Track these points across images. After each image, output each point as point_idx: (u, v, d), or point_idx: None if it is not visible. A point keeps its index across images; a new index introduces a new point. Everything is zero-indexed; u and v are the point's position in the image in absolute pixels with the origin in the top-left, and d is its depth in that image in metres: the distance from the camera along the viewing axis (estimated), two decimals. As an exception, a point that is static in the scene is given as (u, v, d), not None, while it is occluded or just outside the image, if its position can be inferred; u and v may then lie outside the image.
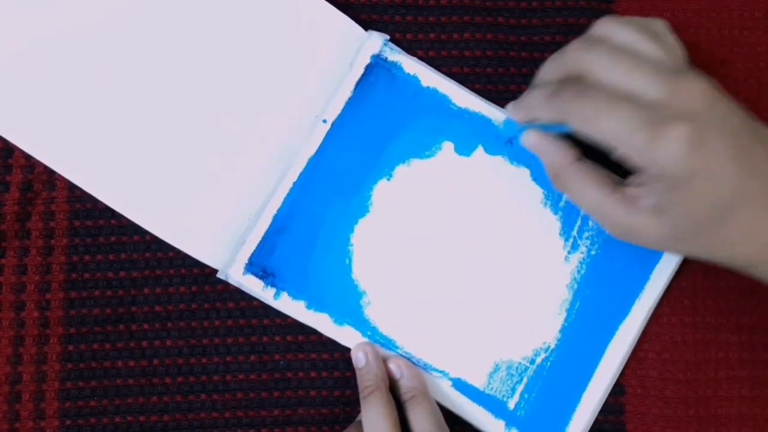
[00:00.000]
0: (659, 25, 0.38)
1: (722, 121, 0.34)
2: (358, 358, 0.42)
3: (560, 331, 0.42)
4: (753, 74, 0.44)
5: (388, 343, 0.42)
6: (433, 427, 0.39)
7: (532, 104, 0.39)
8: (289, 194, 0.43)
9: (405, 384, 0.41)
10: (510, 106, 0.40)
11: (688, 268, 0.43)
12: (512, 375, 0.42)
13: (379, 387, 0.40)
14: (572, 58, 0.37)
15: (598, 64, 0.35)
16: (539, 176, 0.43)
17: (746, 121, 0.35)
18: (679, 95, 0.34)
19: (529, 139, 0.39)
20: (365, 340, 0.42)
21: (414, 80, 0.44)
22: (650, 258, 0.43)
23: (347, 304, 0.43)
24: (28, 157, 0.43)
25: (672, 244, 0.36)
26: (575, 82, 0.36)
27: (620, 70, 0.35)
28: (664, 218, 0.35)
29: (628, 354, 0.42)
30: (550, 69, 0.38)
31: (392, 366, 0.42)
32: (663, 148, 0.33)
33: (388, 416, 0.39)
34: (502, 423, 0.42)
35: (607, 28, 0.37)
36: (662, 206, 0.35)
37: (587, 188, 0.37)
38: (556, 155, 0.39)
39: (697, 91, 0.34)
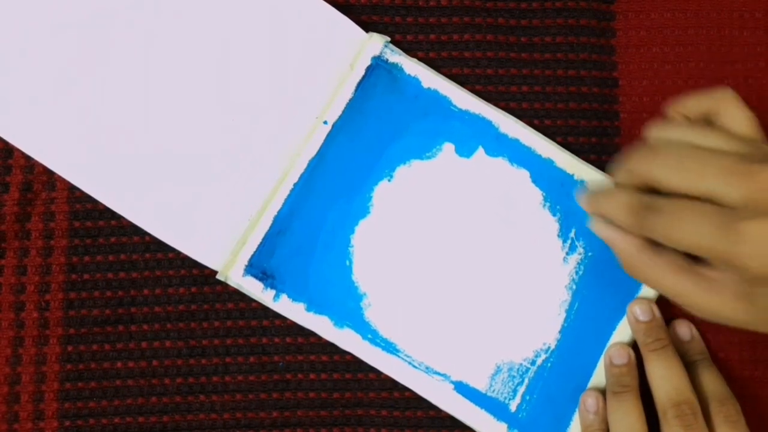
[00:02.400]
0: (726, 96, 0.37)
1: None
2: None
3: (560, 332, 0.42)
4: (753, 74, 0.44)
5: (389, 346, 0.42)
6: (726, 390, 0.40)
7: (607, 209, 0.37)
8: (289, 196, 0.43)
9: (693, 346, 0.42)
10: (585, 197, 0.40)
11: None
12: (513, 376, 0.42)
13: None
14: (638, 170, 0.36)
15: (664, 172, 0.34)
16: (539, 178, 0.43)
17: None
18: (754, 190, 0.32)
19: (597, 229, 0.38)
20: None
21: (415, 82, 0.44)
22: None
23: (347, 306, 0.42)
24: (28, 158, 0.43)
25: (763, 326, 0.35)
26: (645, 195, 0.35)
27: (688, 175, 0.33)
28: (748, 305, 0.33)
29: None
30: (621, 176, 0.37)
31: (680, 328, 0.42)
32: (745, 248, 0.31)
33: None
34: (504, 426, 0.42)
35: (665, 131, 0.36)
36: (746, 294, 0.33)
37: (662, 274, 0.36)
38: (625, 244, 0.37)
39: None
